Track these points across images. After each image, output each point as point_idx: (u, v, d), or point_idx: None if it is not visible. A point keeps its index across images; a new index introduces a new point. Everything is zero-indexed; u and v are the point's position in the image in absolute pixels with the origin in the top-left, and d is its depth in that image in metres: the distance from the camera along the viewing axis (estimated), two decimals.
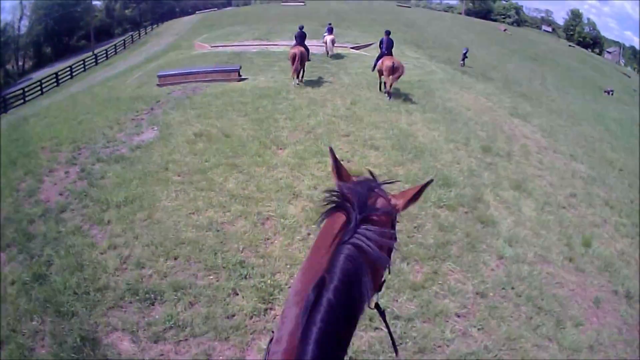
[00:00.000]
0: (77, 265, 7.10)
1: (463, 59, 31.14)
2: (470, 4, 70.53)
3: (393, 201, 1.83)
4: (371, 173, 1.93)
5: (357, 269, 1.52)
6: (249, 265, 7.07)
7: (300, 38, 18.79)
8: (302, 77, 18.43)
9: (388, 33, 17.44)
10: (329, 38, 25.33)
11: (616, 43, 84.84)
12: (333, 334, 1.45)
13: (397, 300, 6.54)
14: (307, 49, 18.32)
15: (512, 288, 7.27)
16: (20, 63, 49.76)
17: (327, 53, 25.30)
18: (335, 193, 1.75)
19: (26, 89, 32.77)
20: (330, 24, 27.39)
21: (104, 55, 40.23)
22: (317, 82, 18.89)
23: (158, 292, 6.47)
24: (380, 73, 16.81)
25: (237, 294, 6.50)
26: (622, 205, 12.19)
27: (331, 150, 2.02)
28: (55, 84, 34.50)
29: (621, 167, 16.62)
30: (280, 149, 11.62)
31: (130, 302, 6.34)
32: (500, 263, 7.96)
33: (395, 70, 15.88)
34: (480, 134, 15.02)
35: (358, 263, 1.53)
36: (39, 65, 48.95)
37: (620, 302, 7.80)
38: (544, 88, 33.83)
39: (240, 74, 20.24)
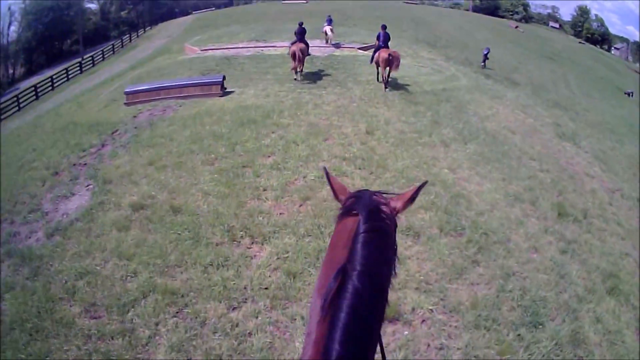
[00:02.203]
0: None
1: (484, 60, 26.41)
2: (478, 1, 65.23)
3: (392, 204, 1.80)
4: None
5: (377, 252, 1.52)
6: None
7: (300, 34, 17.50)
8: (302, 70, 17.06)
9: (384, 27, 16.79)
10: (327, 28, 24.58)
11: (623, 39, 79.45)
12: (361, 318, 1.38)
13: None
14: (307, 44, 17.31)
15: None
16: (10, 71, 44.80)
17: (327, 41, 24.58)
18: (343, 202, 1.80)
19: (2, 105, 27.95)
20: (329, 16, 26.52)
21: (91, 62, 35.18)
22: (319, 96, 14.09)
23: None
24: (377, 65, 16.11)
25: None
26: None
27: (326, 171, 2.06)
28: (34, 97, 29.54)
29: None
30: (257, 242, 6.69)
31: None
32: None
33: (391, 62, 15.14)
34: (543, 179, 10.43)
35: (376, 247, 1.53)
36: (30, 72, 44.10)
37: None
38: (571, 92, 28.94)
39: (225, 86, 15.44)
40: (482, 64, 26.29)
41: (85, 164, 10.49)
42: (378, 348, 1.59)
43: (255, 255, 6.29)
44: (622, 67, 58.05)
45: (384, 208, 1.70)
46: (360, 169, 8.81)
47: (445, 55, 27.22)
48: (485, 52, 26.35)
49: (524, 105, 18.58)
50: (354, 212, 1.65)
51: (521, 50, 38.31)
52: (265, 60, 20.52)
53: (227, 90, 15.45)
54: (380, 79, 16.18)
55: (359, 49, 24.53)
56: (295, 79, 16.59)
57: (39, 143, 13.71)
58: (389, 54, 15.15)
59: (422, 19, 40.35)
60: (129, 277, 5.92)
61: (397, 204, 1.81)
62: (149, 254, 6.27)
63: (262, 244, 6.51)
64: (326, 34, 24.48)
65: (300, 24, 18.04)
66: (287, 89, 15.25)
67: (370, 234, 1.54)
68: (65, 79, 32.43)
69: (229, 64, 20.32)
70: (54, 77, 31.85)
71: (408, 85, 16.78)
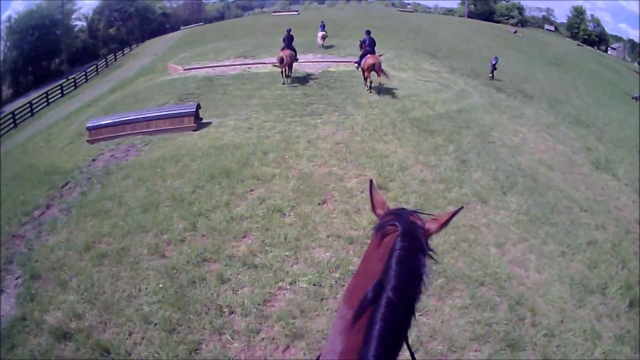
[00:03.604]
0: None
1: (492, 71, 23.46)
2: (472, 6, 62.25)
3: (427, 225, 1.75)
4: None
5: (411, 270, 1.53)
6: None
7: (288, 41, 17.23)
8: (290, 75, 17.06)
9: (369, 32, 16.44)
10: (320, 34, 25.21)
11: (618, 38, 76.59)
12: (394, 331, 1.42)
13: None
14: (294, 51, 17.24)
15: None
16: None
17: (320, 47, 24.82)
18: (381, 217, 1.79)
19: None
20: (322, 22, 27.07)
21: (73, 84, 31.92)
22: (313, 127, 11.23)
23: None
24: (364, 71, 15.52)
25: None
26: None
27: (371, 183, 2.03)
28: (12, 124, 26.36)
29: None
30: None
31: None
32: None
33: (377, 68, 14.69)
34: (603, 245, 7.45)
35: (411, 265, 1.53)
36: (17, 94, 40.87)
37: None
38: (584, 103, 26.00)
39: (200, 116, 12.55)
40: (490, 75, 23.37)
41: (23, 236, 7.76)
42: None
43: None
44: (622, 68, 55.13)
45: (419, 229, 1.67)
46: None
47: (449, 66, 24.30)
48: (494, 62, 23.44)
49: (548, 126, 15.70)
50: (392, 228, 1.62)
51: (525, 56, 35.33)
52: (251, 81, 17.60)
53: (202, 121, 12.55)
54: (367, 84, 15.62)
55: (356, 62, 21.64)
56: (283, 84, 16.46)
57: None
58: (374, 61, 14.77)
59: (419, 27, 37.38)
60: None
61: (432, 226, 1.76)
62: None
63: None
64: (318, 39, 24.97)
65: (289, 31, 17.67)
66: (274, 117, 12.35)
67: (407, 252, 1.54)
68: (46, 103, 29.25)
69: (210, 86, 17.44)
70: (34, 102, 28.63)
71: (417, 106, 13.89)
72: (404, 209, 1.81)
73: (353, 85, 16.56)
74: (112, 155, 11.27)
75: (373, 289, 1.44)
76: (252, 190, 7.61)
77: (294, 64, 17.55)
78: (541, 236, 7.13)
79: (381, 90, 15.20)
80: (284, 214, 6.75)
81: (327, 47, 25.08)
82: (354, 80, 17.15)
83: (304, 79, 17.43)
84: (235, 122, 12.12)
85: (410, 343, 1.84)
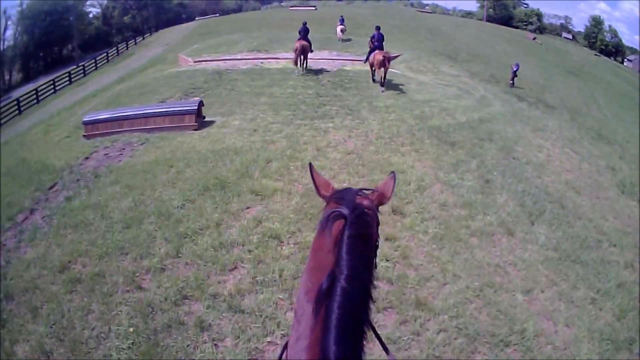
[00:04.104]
0: None
1: (513, 78, 22.27)
2: (491, 10, 60.63)
3: (375, 199, 1.76)
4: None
5: (362, 256, 1.50)
6: None
7: (304, 32, 17.32)
8: (306, 66, 17.42)
9: (378, 28, 16.45)
10: (339, 28, 25.87)
11: (633, 50, 74.64)
12: (353, 318, 1.38)
13: None
14: (309, 43, 17.35)
15: None
16: (7, 77, 40.78)
17: (339, 40, 25.39)
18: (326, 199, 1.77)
19: None
20: (342, 17, 27.82)
21: (82, 71, 31.04)
22: (324, 132, 10.27)
23: None
24: (372, 66, 15.71)
25: None
26: None
27: (311, 166, 1.96)
28: (17, 111, 25.53)
29: None
30: None
31: None
32: None
33: (385, 63, 14.70)
34: (633, 292, 6.38)
35: (361, 251, 1.50)
36: (27, 78, 40.05)
37: None
38: (604, 116, 24.68)
39: (202, 114, 11.63)
40: (511, 82, 22.19)
41: (4, 244, 6.92)
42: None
43: None
44: (637, 81, 53.63)
45: (367, 208, 1.62)
46: (388, 308, 4.85)
47: (468, 70, 23.17)
48: (515, 69, 22.22)
49: (571, 140, 14.58)
50: (338, 215, 1.55)
51: (544, 64, 33.93)
52: (262, 76, 16.62)
53: (205, 119, 11.61)
54: (377, 77, 15.69)
55: (365, 58, 20.57)
56: (296, 74, 16.67)
57: None
58: (383, 56, 14.71)
59: (438, 29, 36.12)
60: None
61: (381, 198, 1.77)
62: None
63: None
64: (337, 33, 25.63)
65: (304, 23, 17.89)
66: (283, 119, 11.37)
67: (355, 239, 1.49)
68: (53, 91, 28.37)
69: (219, 80, 16.48)
70: (40, 88, 27.81)
71: (436, 112, 12.86)
72: (349, 189, 1.75)
73: (369, 86, 15.55)
74: (105, 154, 10.34)
75: (327, 280, 1.40)
76: (248, 208, 6.64)
77: (309, 57, 17.63)
78: (571, 279, 6.12)
79: (387, 85, 15.06)
80: (282, 242, 5.78)
81: (345, 40, 25.45)
82: (370, 81, 16.14)
83: (318, 77, 16.44)
84: (240, 123, 11.16)
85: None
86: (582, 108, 23.87)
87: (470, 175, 8.58)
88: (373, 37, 16.12)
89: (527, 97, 20.76)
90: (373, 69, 15.69)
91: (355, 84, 15.81)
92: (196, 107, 11.12)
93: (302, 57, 16.75)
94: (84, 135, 12.02)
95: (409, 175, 8.05)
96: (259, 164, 8.17)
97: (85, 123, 12.09)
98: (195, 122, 11.07)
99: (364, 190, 1.75)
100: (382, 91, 14.79)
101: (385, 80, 15.19)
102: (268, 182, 7.37)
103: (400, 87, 15.77)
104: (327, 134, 10.22)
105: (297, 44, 16.31)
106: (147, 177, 7.99)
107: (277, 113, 11.93)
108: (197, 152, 9.06)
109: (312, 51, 17.77)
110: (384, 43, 15.74)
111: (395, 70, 19.41)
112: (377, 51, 15.14)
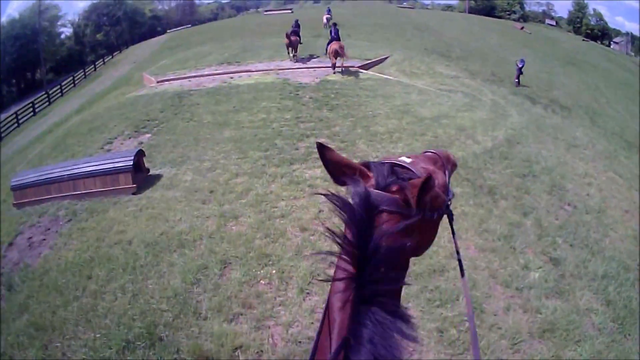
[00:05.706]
0: None
1: (518, 76, 19.14)
2: (473, 2, 57.41)
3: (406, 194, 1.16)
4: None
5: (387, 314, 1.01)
6: None
7: (296, 27, 19.19)
8: (296, 54, 18.50)
9: (335, 25, 17.62)
10: (325, 17, 26.76)
11: (617, 32, 71.95)
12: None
13: None
14: (299, 37, 18.80)
15: None
16: None
17: (324, 26, 25.54)
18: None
19: None
20: (329, 7, 29.75)
21: (47, 99, 27.28)
22: (308, 185, 7.02)
23: None
24: (329, 56, 16.12)
25: None
26: None
27: (319, 146, 1.26)
28: None
29: None
30: None
31: None
32: None
33: (339, 52, 15.57)
34: None
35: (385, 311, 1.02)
36: (1, 106, 36.34)
37: None
38: (616, 112, 21.57)
39: (144, 166, 8.27)
40: (517, 80, 19.06)
41: None
42: None
43: None
44: (632, 65, 50.82)
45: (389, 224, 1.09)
46: None
47: (466, 69, 19.93)
48: (520, 66, 19.08)
49: (606, 156, 11.47)
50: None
51: (540, 56, 30.64)
52: (229, 98, 13.29)
53: (149, 174, 8.25)
54: (333, 68, 16.22)
55: (360, 67, 17.30)
56: (293, 59, 18.27)
57: None
58: (339, 46, 15.71)
59: (424, 24, 32.77)
60: None
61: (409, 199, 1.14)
62: None
63: None
64: (324, 22, 26.21)
65: (296, 21, 20.05)
66: (250, 166, 8.09)
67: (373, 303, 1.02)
68: (16, 124, 24.56)
69: (178, 105, 13.14)
70: (1, 125, 23.91)
71: (453, 135, 9.62)
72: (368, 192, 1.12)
73: (361, 101, 12.28)
74: (29, 238, 7.01)
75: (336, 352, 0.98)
76: None
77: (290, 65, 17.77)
78: None
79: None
80: None
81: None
82: (361, 93, 12.90)
83: (297, 94, 13.18)
84: (192, 178, 7.83)
85: None
86: (594, 105, 20.73)
87: (531, 254, 5.31)
88: (330, 32, 17.32)
89: (538, 97, 17.62)
90: (331, 59, 16.27)
91: (344, 99, 12.54)
92: (131, 164, 7.70)
93: (293, 48, 18.32)
94: (13, 204, 8.64)
95: (434, 261, 4.74)
96: (209, 276, 4.84)
97: (14, 188, 8.68)
98: (133, 184, 7.70)
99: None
100: (334, 72, 16.02)
101: (342, 68, 16.23)
102: (225, 327, 4.04)
103: (400, 99, 12.52)
104: (313, 189, 6.90)
105: (287, 40, 18.03)
106: (55, 295, 4.68)
107: (245, 155, 8.63)
108: (125, 245, 5.73)
109: (301, 43, 19.02)
110: (339, 35, 16.89)
111: (386, 76, 16.16)
112: (333, 42, 16.18)
